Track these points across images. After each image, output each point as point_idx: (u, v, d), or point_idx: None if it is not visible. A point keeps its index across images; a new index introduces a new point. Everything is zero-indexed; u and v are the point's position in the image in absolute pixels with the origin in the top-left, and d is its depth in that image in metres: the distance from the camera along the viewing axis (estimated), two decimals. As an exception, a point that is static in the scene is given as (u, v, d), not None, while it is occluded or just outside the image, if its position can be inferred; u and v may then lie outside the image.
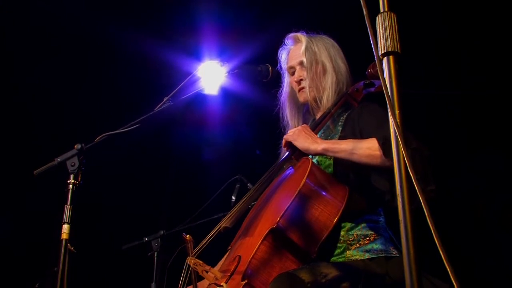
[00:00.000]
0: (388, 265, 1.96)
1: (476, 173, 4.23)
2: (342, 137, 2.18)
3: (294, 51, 2.41)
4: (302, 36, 2.40)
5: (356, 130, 2.15)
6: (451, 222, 3.95)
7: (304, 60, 2.34)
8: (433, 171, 1.79)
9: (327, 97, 2.28)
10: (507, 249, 4.05)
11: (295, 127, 2.42)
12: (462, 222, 4.13)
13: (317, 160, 2.22)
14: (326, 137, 2.25)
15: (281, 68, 2.49)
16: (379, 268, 1.95)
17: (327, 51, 2.35)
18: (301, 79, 2.35)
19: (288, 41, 2.46)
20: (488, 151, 4.19)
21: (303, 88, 2.35)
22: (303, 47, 2.36)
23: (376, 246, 2.02)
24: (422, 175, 1.76)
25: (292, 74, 2.41)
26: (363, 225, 2.06)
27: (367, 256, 1.98)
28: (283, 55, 2.48)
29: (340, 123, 2.26)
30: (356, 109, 2.24)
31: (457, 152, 4.29)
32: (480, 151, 4.22)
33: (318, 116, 2.37)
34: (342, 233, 2.04)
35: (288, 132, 2.21)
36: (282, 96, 2.49)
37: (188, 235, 1.96)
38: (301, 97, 2.38)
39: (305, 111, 2.46)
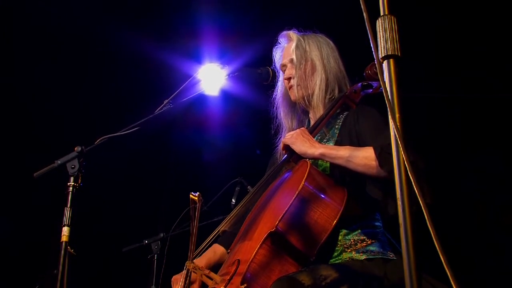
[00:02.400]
0: (386, 268, 1.96)
1: (476, 174, 4.23)
2: (338, 142, 2.17)
3: (286, 49, 2.39)
4: (293, 34, 2.38)
5: (353, 134, 2.13)
6: (451, 222, 3.94)
7: (294, 58, 2.32)
8: (428, 184, 1.76)
9: (317, 97, 2.26)
10: (507, 249, 4.05)
11: (289, 126, 2.41)
12: (462, 222, 4.13)
13: (314, 162, 2.19)
14: (320, 141, 2.22)
15: (275, 67, 2.47)
16: (377, 270, 1.94)
17: (318, 49, 2.32)
18: (290, 77, 2.33)
19: (282, 39, 2.44)
20: (488, 152, 4.19)
21: (292, 86, 2.33)
22: (293, 45, 2.34)
23: (373, 248, 2.01)
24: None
25: (284, 72, 2.40)
26: (359, 230, 2.05)
27: (364, 257, 1.98)
28: (277, 54, 2.46)
29: (336, 127, 2.24)
30: (352, 112, 2.22)
31: (457, 153, 4.29)
32: (480, 152, 4.22)
33: (311, 116, 2.36)
34: (339, 237, 2.03)
35: (286, 135, 2.17)
36: (277, 95, 2.48)
37: (198, 193, 1.79)
38: (291, 96, 2.36)
39: (301, 111, 2.43)
